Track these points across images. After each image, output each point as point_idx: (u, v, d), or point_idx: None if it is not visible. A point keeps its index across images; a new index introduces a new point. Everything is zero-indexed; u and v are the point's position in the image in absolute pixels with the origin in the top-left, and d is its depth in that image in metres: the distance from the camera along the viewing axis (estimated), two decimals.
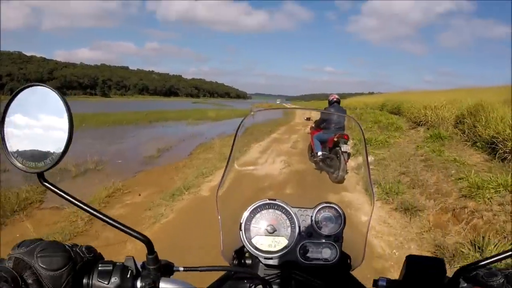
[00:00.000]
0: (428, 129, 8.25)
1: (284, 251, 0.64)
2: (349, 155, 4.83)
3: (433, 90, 16.73)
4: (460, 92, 13.11)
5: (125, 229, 0.49)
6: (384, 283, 0.57)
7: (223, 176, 0.76)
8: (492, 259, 0.47)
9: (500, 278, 0.48)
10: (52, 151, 0.45)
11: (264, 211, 0.67)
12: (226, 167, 0.76)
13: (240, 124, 0.78)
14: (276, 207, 0.67)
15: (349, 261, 0.71)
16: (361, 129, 0.87)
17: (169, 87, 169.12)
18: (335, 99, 5.87)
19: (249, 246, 0.64)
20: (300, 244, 0.65)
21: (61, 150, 0.45)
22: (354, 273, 0.71)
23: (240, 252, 0.71)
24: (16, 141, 0.46)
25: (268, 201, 0.67)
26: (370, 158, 6.54)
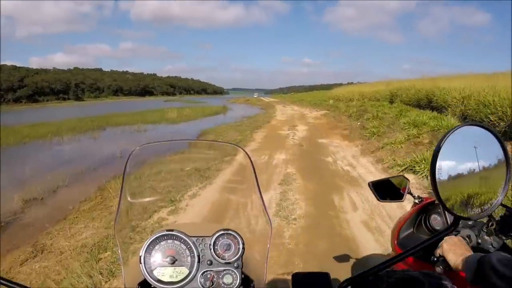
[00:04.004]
0: None
1: (186, 281, 0.65)
2: None
3: (453, 75, 12.18)
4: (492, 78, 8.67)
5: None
6: None
7: (118, 209, 0.74)
8: (375, 269, 0.46)
9: (384, 283, 0.49)
10: None
11: (163, 242, 0.67)
12: (120, 199, 0.76)
13: (127, 159, 0.76)
14: (174, 238, 0.67)
15: (252, 285, 0.70)
16: None
17: (144, 86, 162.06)
18: None
19: (150, 279, 0.65)
20: (201, 273, 0.66)
21: None
22: None
23: (145, 285, 0.68)
24: None
25: (165, 232, 0.67)
26: None
